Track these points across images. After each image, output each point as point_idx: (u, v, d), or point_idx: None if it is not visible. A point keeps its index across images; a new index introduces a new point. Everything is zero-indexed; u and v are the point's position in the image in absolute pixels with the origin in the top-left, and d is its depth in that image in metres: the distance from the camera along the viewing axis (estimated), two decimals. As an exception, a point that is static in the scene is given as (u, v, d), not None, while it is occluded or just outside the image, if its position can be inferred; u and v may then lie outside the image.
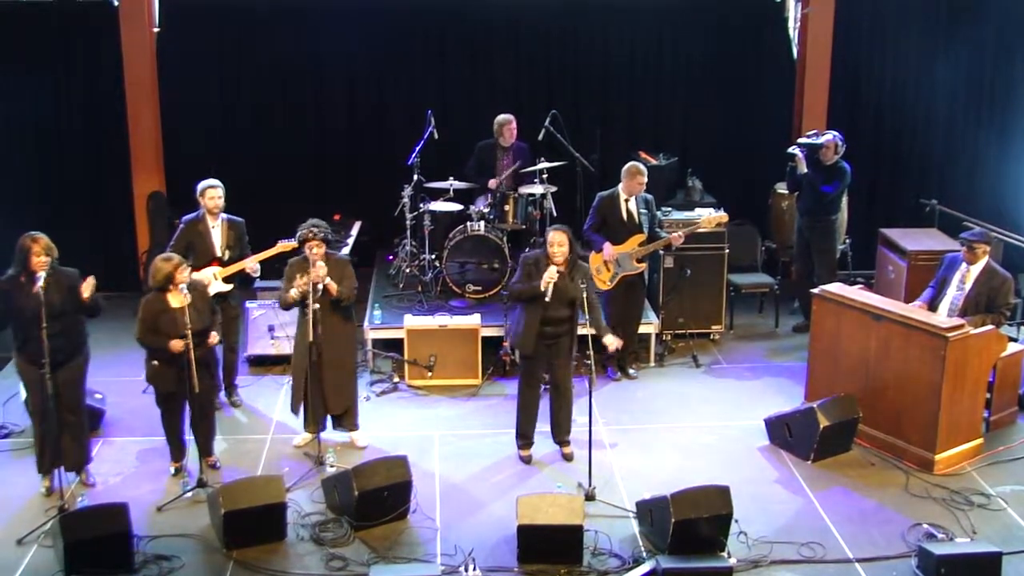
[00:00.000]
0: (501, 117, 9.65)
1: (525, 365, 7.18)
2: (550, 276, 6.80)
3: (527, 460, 7.24)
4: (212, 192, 7.69)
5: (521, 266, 7.05)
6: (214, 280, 7.61)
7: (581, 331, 7.15)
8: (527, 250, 8.27)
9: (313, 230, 6.98)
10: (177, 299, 6.61)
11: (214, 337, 6.77)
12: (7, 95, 10.12)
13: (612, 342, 7.04)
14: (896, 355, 7.17)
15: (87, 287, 6.52)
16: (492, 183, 9.52)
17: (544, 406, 7.35)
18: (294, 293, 6.97)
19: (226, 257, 7.73)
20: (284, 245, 7.64)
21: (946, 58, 10.77)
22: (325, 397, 7.15)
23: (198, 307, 6.63)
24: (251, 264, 7.75)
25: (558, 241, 6.87)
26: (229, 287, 7.75)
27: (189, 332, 6.44)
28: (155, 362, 6.70)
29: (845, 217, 9.91)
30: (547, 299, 6.83)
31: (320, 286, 6.91)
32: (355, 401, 7.44)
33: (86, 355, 6.81)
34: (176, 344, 6.48)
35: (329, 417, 7.36)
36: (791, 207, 9.86)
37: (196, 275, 7.16)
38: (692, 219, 9.01)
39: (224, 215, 7.78)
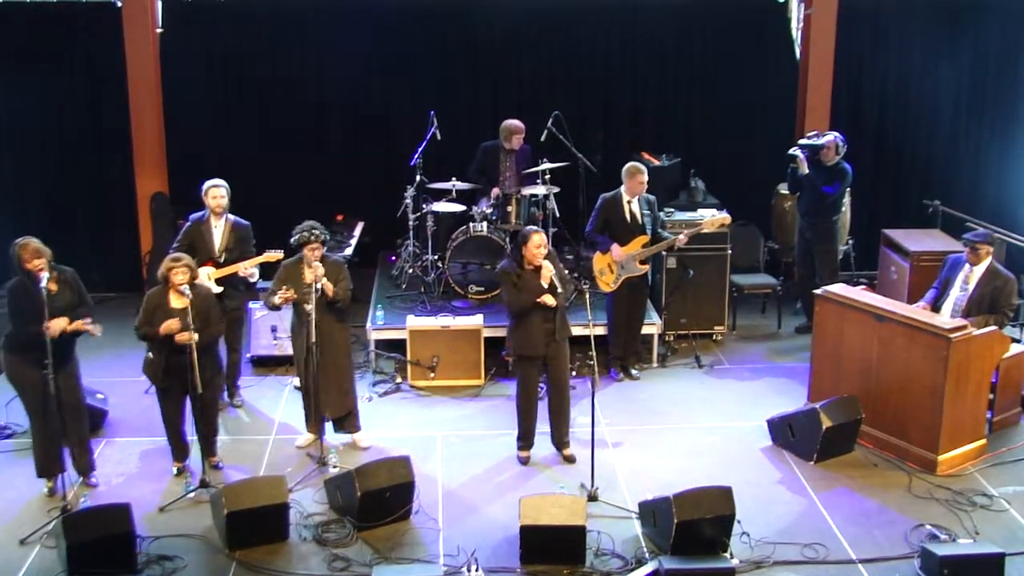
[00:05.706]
0: (511, 124, 9.53)
1: (522, 367, 7.17)
2: (549, 270, 6.88)
3: (525, 461, 7.24)
4: (215, 192, 7.68)
5: (505, 282, 7.05)
6: (206, 280, 7.58)
7: (583, 332, 7.15)
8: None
9: (315, 232, 6.98)
10: (177, 299, 6.63)
11: (184, 335, 6.49)
12: (10, 95, 10.13)
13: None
14: (899, 356, 7.16)
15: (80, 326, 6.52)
16: (495, 193, 9.45)
17: (542, 406, 7.35)
18: (276, 301, 6.97)
19: (223, 259, 7.69)
20: (270, 255, 7.63)
21: (948, 58, 10.75)
22: (324, 401, 7.15)
23: (200, 309, 6.64)
24: (244, 269, 7.68)
25: (544, 243, 6.96)
26: (219, 289, 7.62)
27: (192, 333, 6.46)
28: (150, 353, 6.71)
29: (847, 218, 9.89)
30: (559, 290, 6.89)
31: (318, 286, 6.91)
32: (355, 404, 7.43)
33: (76, 355, 6.81)
34: (170, 325, 6.46)
35: (330, 421, 7.36)
36: (793, 208, 9.85)
37: None
38: (695, 220, 9.02)
39: (231, 216, 7.76)
